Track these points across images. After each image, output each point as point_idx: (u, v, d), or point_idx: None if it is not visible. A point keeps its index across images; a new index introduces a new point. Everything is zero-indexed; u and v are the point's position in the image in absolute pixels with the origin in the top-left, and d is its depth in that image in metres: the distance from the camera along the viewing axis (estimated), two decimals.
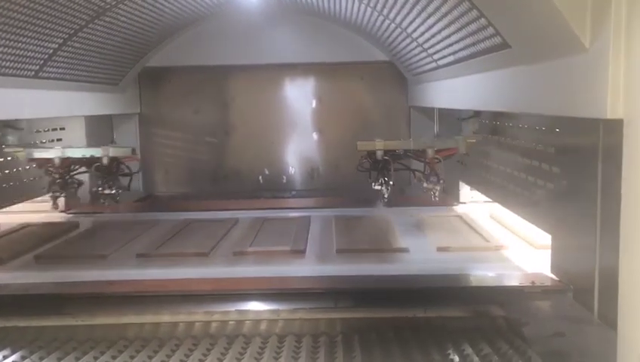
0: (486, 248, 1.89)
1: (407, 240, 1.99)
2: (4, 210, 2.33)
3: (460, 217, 2.33)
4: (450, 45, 1.91)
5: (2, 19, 1.63)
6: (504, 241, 1.92)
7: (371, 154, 2.23)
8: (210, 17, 3.04)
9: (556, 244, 1.53)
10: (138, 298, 1.51)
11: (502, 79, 1.63)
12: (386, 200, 2.28)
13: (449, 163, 2.38)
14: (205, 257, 1.87)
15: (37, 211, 2.54)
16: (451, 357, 1.24)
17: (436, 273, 1.64)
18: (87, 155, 2.33)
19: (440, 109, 2.94)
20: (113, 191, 2.33)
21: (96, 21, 2.13)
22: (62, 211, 2.56)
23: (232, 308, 1.45)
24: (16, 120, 2.38)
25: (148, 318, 1.43)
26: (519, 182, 1.87)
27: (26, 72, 1.95)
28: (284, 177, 3.31)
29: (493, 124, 2.18)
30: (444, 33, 1.89)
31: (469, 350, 1.26)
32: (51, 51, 2.02)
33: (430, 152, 2.15)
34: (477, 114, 2.34)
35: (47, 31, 1.91)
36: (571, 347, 1.17)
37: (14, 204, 2.39)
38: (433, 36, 2.02)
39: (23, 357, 1.28)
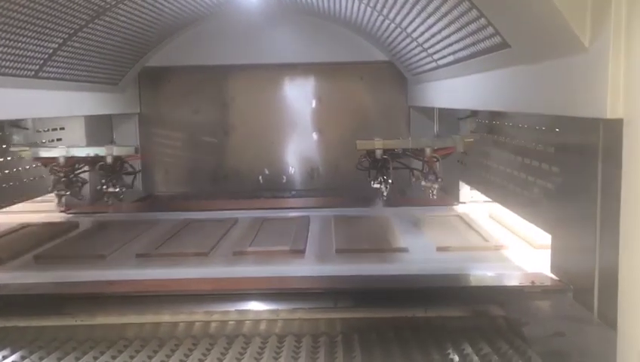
0: (486, 248, 1.89)
1: (407, 240, 1.99)
2: (4, 210, 2.33)
3: (459, 217, 2.33)
4: (450, 45, 1.91)
5: (2, 19, 1.63)
6: (504, 241, 1.92)
7: (370, 153, 2.26)
8: (210, 17, 3.04)
9: (556, 244, 1.53)
10: (138, 298, 1.51)
11: (502, 79, 1.62)
12: (385, 198, 2.30)
13: (449, 162, 2.38)
14: (205, 257, 1.87)
15: (37, 211, 2.55)
16: (451, 356, 1.24)
17: (436, 273, 1.64)
18: (92, 154, 2.36)
19: (440, 109, 2.94)
20: (117, 190, 2.36)
21: (96, 21, 2.13)
22: (62, 211, 2.57)
23: (232, 308, 1.45)
24: (22, 120, 2.39)
25: (148, 318, 1.43)
26: (519, 181, 1.87)
27: (25, 72, 1.95)
28: (284, 177, 3.31)
29: (492, 124, 2.19)
30: (444, 33, 1.88)
31: (468, 350, 1.26)
32: (51, 51, 2.02)
33: (428, 151, 2.18)
34: (474, 113, 2.35)
35: (47, 31, 1.91)
36: (571, 347, 1.17)
37: (14, 203, 2.40)
38: (433, 36, 2.02)
39: (23, 357, 1.28)
